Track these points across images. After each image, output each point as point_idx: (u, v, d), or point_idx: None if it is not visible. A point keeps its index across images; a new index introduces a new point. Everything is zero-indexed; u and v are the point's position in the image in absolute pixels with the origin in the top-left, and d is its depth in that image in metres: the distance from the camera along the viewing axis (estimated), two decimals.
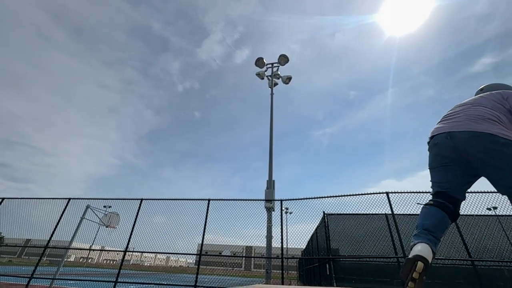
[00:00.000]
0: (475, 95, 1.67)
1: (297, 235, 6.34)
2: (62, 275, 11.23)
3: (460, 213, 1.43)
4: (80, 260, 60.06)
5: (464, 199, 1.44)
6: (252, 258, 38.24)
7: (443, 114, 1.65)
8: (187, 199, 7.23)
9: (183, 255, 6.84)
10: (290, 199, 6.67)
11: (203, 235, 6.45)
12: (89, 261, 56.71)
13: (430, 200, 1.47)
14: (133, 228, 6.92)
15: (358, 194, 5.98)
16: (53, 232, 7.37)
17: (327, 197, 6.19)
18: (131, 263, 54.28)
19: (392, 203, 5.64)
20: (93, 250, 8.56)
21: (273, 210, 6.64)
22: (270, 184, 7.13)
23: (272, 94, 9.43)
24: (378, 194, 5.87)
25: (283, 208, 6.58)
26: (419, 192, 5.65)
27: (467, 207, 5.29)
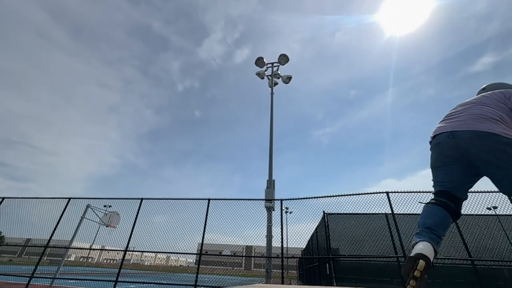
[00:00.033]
0: (477, 94, 1.66)
1: (297, 234, 6.35)
2: (63, 275, 11.26)
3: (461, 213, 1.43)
4: (81, 260, 60.15)
5: (466, 199, 1.44)
6: (252, 258, 38.28)
7: (443, 113, 1.65)
8: (187, 199, 7.23)
9: (183, 254, 6.84)
10: (290, 199, 6.68)
11: (203, 234, 6.46)
12: (90, 260, 56.78)
13: (432, 199, 1.47)
14: (133, 227, 6.93)
15: (358, 194, 5.99)
16: (53, 232, 7.38)
17: (327, 196, 6.19)
18: (131, 262, 54.32)
19: (392, 202, 5.64)
20: (94, 249, 8.56)
21: (273, 210, 6.64)
22: (270, 184, 7.14)
23: (272, 93, 9.43)
24: (378, 194, 5.87)
25: (283, 208, 6.58)
26: (419, 192, 5.66)
27: (467, 207, 5.30)
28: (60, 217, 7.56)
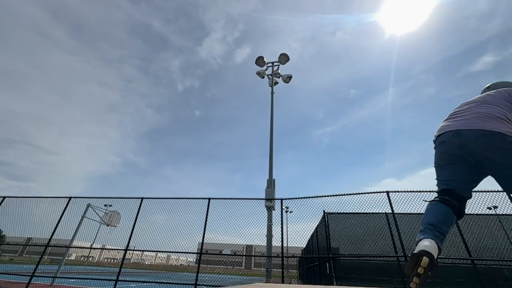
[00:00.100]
0: (482, 93, 1.66)
1: (297, 234, 6.35)
2: (63, 274, 11.28)
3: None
4: (81, 259, 60.32)
5: (470, 198, 1.43)
6: (253, 257, 38.36)
7: (443, 113, 1.65)
8: (188, 198, 7.24)
9: (183, 253, 6.86)
10: (290, 198, 6.68)
11: (204, 233, 6.46)
12: (90, 259, 56.92)
13: (436, 197, 1.46)
14: (133, 226, 6.94)
15: (359, 193, 5.99)
16: (54, 231, 7.39)
17: (328, 196, 6.20)
18: (131, 261, 54.43)
19: (392, 202, 5.65)
20: (94, 248, 8.58)
21: (274, 209, 6.65)
22: (271, 183, 7.14)
23: (272, 93, 9.43)
24: (378, 193, 5.87)
25: (283, 207, 6.59)
26: (420, 191, 5.66)
27: (467, 207, 5.28)
28: (61, 216, 7.57)
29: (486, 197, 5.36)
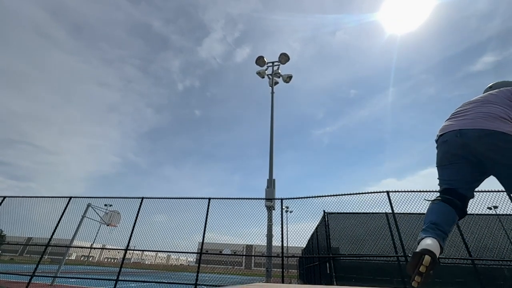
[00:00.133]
0: (484, 93, 1.65)
1: (298, 233, 6.35)
2: (64, 273, 11.30)
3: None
4: (81, 259, 60.36)
5: (473, 197, 1.43)
6: (253, 257, 38.36)
7: (443, 113, 1.66)
8: (188, 198, 7.25)
9: (183, 253, 6.86)
10: (291, 198, 6.68)
11: (204, 233, 6.46)
12: (90, 259, 56.96)
13: (438, 196, 1.46)
14: (134, 226, 6.94)
15: (359, 193, 5.99)
16: (54, 231, 7.40)
17: (328, 196, 6.20)
18: (132, 261, 54.46)
19: (392, 202, 5.64)
20: (94, 248, 8.60)
21: (274, 209, 6.65)
22: (271, 183, 7.15)
23: (272, 92, 9.43)
24: (379, 193, 5.87)
25: (283, 207, 6.59)
26: (420, 191, 5.66)
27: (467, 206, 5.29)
28: (61, 216, 7.58)
29: (486, 197, 5.36)
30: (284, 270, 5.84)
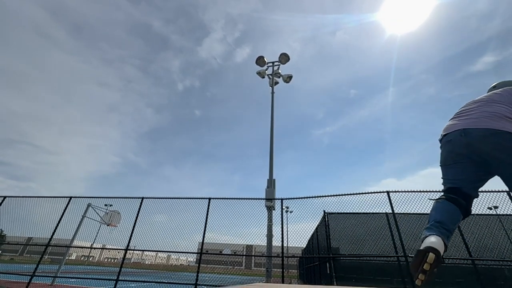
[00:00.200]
0: (488, 92, 1.65)
1: (298, 234, 6.35)
2: (64, 273, 11.31)
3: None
4: (82, 258, 60.38)
5: (477, 197, 1.42)
6: (253, 257, 38.37)
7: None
8: (188, 198, 7.24)
9: (184, 253, 6.86)
10: (291, 198, 6.68)
11: (204, 233, 6.46)
12: (90, 259, 56.98)
13: (442, 195, 1.45)
14: (134, 226, 6.94)
15: (359, 193, 5.99)
16: (54, 231, 7.40)
17: (328, 196, 6.19)
18: (132, 261, 54.47)
19: (392, 202, 5.64)
20: (95, 248, 8.60)
21: (274, 209, 6.65)
22: (271, 183, 7.14)
23: (272, 92, 9.43)
24: (379, 193, 5.87)
25: (283, 207, 6.59)
26: (420, 191, 5.65)
27: None
28: (61, 216, 7.58)
29: (486, 197, 5.36)
30: (284, 270, 5.84)
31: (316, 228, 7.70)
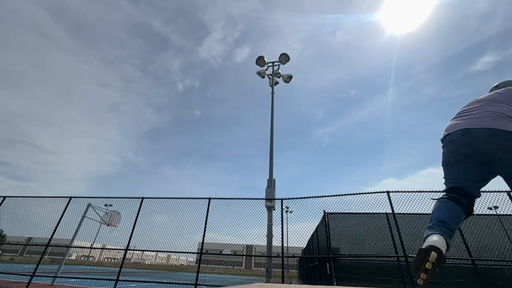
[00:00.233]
0: (490, 92, 1.65)
1: (298, 234, 6.35)
2: (64, 273, 11.30)
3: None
4: (82, 259, 60.39)
5: (479, 196, 1.42)
6: (253, 257, 38.37)
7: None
8: (188, 198, 7.24)
9: (184, 253, 6.86)
10: (291, 198, 6.68)
11: (204, 233, 6.46)
12: (90, 259, 56.99)
13: (444, 195, 1.45)
14: (134, 226, 6.94)
15: (359, 193, 5.98)
16: (54, 231, 7.40)
17: (328, 196, 6.19)
18: (132, 261, 54.50)
19: (392, 202, 5.64)
20: (95, 248, 8.60)
21: (274, 209, 6.65)
22: (271, 183, 7.14)
23: (272, 93, 9.43)
24: (379, 193, 5.87)
25: (283, 207, 6.59)
26: (420, 191, 5.65)
27: None
28: (61, 216, 7.58)
29: (486, 197, 5.36)
30: (284, 270, 5.84)
31: (316, 228, 7.70)
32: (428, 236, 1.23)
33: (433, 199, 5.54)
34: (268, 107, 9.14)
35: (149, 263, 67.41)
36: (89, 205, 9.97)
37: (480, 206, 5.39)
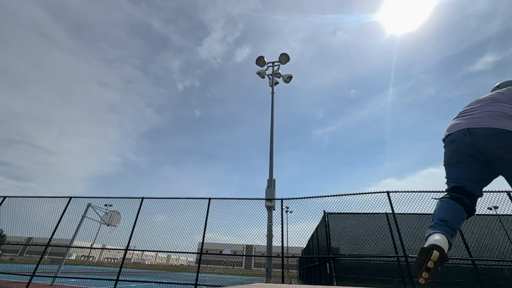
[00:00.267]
0: (491, 92, 1.65)
1: (298, 234, 6.35)
2: (64, 273, 11.30)
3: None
4: (81, 259, 60.37)
5: (481, 196, 1.41)
6: (253, 257, 38.36)
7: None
8: (188, 198, 7.24)
9: (184, 253, 6.86)
10: (291, 198, 6.68)
11: (204, 233, 6.46)
12: (90, 259, 56.97)
13: (446, 194, 1.45)
14: (134, 226, 6.94)
15: (359, 193, 5.98)
16: (54, 231, 7.40)
17: (328, 196, 6.19)
18: (132, 261, 54.49)
19: (392, 202, 5.64)
20: (95, 248, 8.59)
21: (274, 209, 6.65)
22: (271, 183, 7.14)
23: (272, 93, 9.43)
24: (379, 193, 5.87)
25: (283, 207, 6.59)
26: (420, 191, 5.65)
27: None
28: (61, 216, 7.58)
29: (486, 197, 5.36)
30: (284, 270, 5.84)
31: (316, 228, 7.70)
32: (430, 235, 1.23)
33: (434, 198, 5.54)
34: (268, 107, 9.15)
35: (149, 263, 67.39)
36: (89, 205, 9.96)
37: (480, 206, 5.40)
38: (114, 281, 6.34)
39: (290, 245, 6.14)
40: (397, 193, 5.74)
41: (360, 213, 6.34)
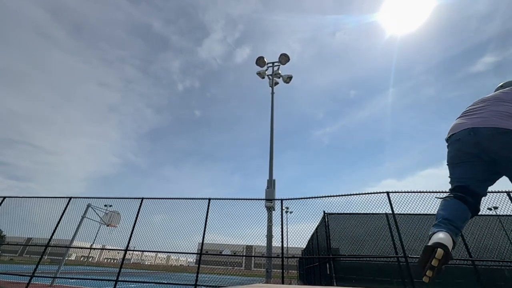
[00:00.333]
0: (495, 91, 1.66)
1: (298, 234, 6.34)
2: (63, 274, 11.29)
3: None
4: (81, 259, 60.29)
5: (485, 195, 1.41)
6: (253, 257, 38.32)
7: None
8: (188, 198, 7.24)
9: (183, 254, 6.85)
10: (291, 199, 6.67)
11: (204, 234, 6.46)
12: (90, 260, 56.89)
13: (449, 194, 1.44)
14: (133, 227, 6.93)
15: (359, 194, 5.98)
16: (54, 231, 7.39)
17: (328, 196, 6.19)
18: (131, 262, 54.42)
19: (392, 202, 5.64)
20: (94, 249, 8.57)
21: (274, 210, 6.64)
22: (271, 183, 7.14)
23: (272, 93, 9.43)
24: (379, 194, 5.86)
25: (283, 208, 6.58)
26: (420, 192, 5.65)
27: None
28: (61, 217, 7.57)
29: (486, 197, 5.33)
30: (284, 270, 5.84)
31: (316, 229, 7.70)
32: (434, 233, 1.22)
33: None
34: (268, 107, 9.15)
35: (148, 263, 67.30)
36: (88, 206, 9.95)
37: (480, 206, 5.38)
38: (114, 282, 6.34)
39: (290, 246, 6.14)
40: (397, 193, 5.73)
41: (360, 214, 6.33)
